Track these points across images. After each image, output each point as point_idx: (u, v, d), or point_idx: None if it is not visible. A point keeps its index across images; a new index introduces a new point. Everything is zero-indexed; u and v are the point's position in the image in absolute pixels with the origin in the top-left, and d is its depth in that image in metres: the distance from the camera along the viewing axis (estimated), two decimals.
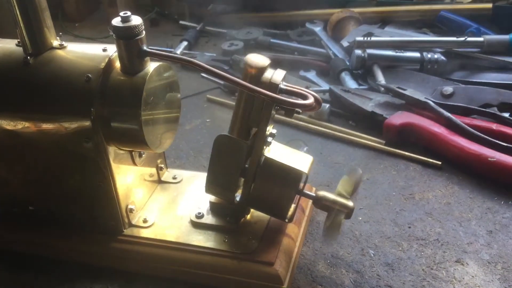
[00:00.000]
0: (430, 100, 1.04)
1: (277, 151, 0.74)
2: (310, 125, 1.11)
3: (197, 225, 0.79)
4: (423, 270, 0.75)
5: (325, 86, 1.24)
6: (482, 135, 0.94)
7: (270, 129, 0.73)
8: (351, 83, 1.21)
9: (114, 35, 0.69)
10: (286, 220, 0.76)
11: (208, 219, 0.80)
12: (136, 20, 0.69)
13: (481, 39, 1.22)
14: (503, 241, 0.80)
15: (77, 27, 1.78)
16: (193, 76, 1.36)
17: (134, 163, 0.80)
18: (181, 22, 1.69)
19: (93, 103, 0.68)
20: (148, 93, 0.69)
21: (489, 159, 0.90)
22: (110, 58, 0.71)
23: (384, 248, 0.80)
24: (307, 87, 1.23)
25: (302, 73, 1.32)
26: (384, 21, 1.45)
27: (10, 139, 0.74)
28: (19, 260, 0.81)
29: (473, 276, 0.74)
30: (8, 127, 0.73)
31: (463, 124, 0.97)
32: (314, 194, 0.75)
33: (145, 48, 0.70)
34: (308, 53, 1.42)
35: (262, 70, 0.67)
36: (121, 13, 0.68)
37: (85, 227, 0.80)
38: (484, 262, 0.76)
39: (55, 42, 0.74)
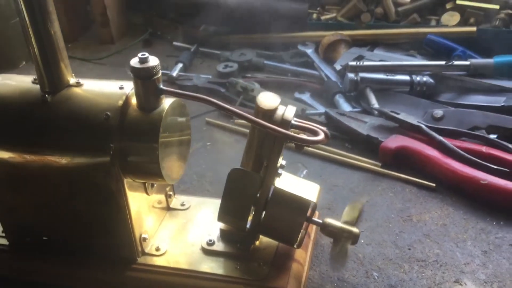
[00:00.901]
0: (422, 124, 1.10)
1: (286, 181, 0.77)
2: (308, 148, 1.15)
3: (208, 252, 0.83)
4: None
5: (320, 108, 1.29)
6: (474, 158, 0.99)
7: (280, 161, 0.77)
8: (345, 106, 1.26)
9: (132, 74, 0.72)
10: (295, 246, 0.80)
11: (219, 246, 0.83)
12: (153, 61, 0.72)
13: (467, 62, 1.28)
14: (497, 260, 0.85)
15: (70, 48, 1.80)
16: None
17: (147, 193, 0.83)
18: (174, 43, 1.72)
19: (112, 140, 0.71)
20: (164, 128, 0.73)
21: (481, 181, 0.95)
22: (127, 96, 0.74)
23: (387, 270, 0.84)
24: (303, 110, 1.27)
25: (297, 95, 1.36)
26: (373, 43, 1.50)
27: (28, 172, 0.76)
28: None
29: None
30: (27, 161, 0.75)
31: (455, 148, 1.02)
32: (321, 221, 0.79)
33: (161, 86, 0.73)
34: (301, 74, 1.47)
35: (273, 109, 0.71)
36: (139, 55, 0.71)
37: (100, 257, 0.82)
38: (481, 282, 0.81)
39: (72, 80, 0.77)
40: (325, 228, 0.79)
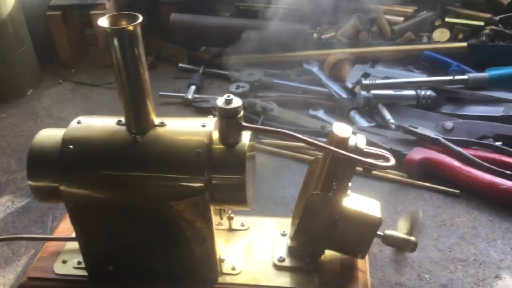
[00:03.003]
0: (439, 136, 1.22)
1: (354, 200, 0.87)
2: None
3: (280, 268, 0.91)
4: (473, 285, 0.91)
5: None
6: (490, 165, 1.13)
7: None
8: (362, 121, 1.37)
9: (217, 114, 0.79)
10: (359, 257, 0.89)
11: (289, 262, 0.91)
12: (237, 102, 0.79)
13: (466, 77, 1.42)
14: None
15: (73, 73, 1.82)
16: None
17: (221, 217, 0.90)
18: (180, 65, 1.78)
19: (204, 174, 0.78)
20: (247, 161, 0.80)
21: (500, 186, 1.08)
22: (211, 132, 0.81)
23: (436, 271, 0.95)
24: (322, 127, 1.37)
25: (311, 112, 1.46)
26: (372, 60, 1.63)
27: (122, 206, 0.82)
28: None
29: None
30: (120, 197, 0.81)
31: (473, 157, 1.15)
32: (382, 233, 0.89)
33: (243, 123, 0.81)
34: (311, 92, 1.57)
35: (348, 138, 0.80)
36: (225, 96, 0.78)
37: (181, 280, 0.89)
38: None
39: (157, 121, 0.83)
40: (386, 239, 0.89)
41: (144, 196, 0.81)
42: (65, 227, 1.04)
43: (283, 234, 0.97)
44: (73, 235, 0.99)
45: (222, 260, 0.89)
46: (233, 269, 0.91)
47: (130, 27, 0.73)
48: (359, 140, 0.81)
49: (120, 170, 0.80)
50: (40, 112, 1.59)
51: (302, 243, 0.90)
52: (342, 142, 0.80)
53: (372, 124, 1.36)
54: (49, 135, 0.86)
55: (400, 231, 0.90)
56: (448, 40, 1.61)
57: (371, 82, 1.40)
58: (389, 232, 0.88)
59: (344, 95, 1.50)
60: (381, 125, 1.36)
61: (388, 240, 0.88)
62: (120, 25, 0.74)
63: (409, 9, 1.69)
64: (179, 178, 0.79)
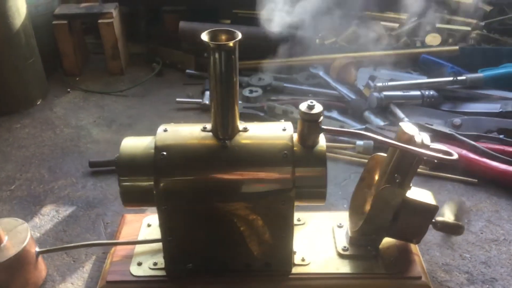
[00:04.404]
0: (454, 132, 1.36)
1: (413, 192, 0.97)
2: (361, 160, 1.36)
3: (344, 256, 1.00)
4: (508, 261, 1.05)
5: (354, 124, 1.50)
6: (503, 156, 1.27)
7: None
8: (377, 121, 1.49)
9: (300, 118, 0.87)
10: (414, 242, 1.00)
11: (352, 250, 1.01)
12: (318, 108, 0.87)
13: (464, 77, 1.57)
14: None
15: (78, 81, 1.83)
16: None
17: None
18: (187, 71, 1.83)
19: (291, 173, 0.86)
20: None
21: None
22: (292, 136, 0.89)
23: (474, 251, 1.08)
24: (341, 127, 1.48)
25: (326, 113, 1.56)
26: (373, 64, 1.75)
27: (212, 207, 0.88)
28: None
29: None
30: (212, 198, 0.87)
31: (487, 149, 1.29)
32: (434, 220, 1.00)
33: (322, 126, 0.89)
34: (320, 94, 1.67)
35: (413, 136, 0.90)
36: (308, 102, 0.87)
37: (257, 273, 0.96)
38: None
39: (240, 126, 0.89)
40: (437, 225, 1.00)
41: (235, 196, 0.87)
42: (128, 232, 1.08)
43: (340, 226, 1.06)
44: (140, 238, 1.05)
45: (294, 253, 0.97)
46: (303, 260, 0.99)
47: (231, 44, 0.79)
48: (424, 138, 0.91)
49: (212, 173, 0.87)
50: (56, 121, 1.59)
51: (363, 232, 1.00)
52: (411, 140, 0.91)
53: (387, 123, 1.48)
54: (134, 143, 0.91)
55: (446, 217, 1.01)
56: (440, 44, 1.77)
57: (384, 84, 1.52)
58: (439, 218, 1.00)
59: (353, 96, 1.61)
60: (395, 123, 1.48)
61: (439, 226, 1.00)
62: (219, 40, 0.80)
63: (403, 16, 1.83)
64: (269, 179, 0.87)
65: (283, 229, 0.91)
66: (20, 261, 0.96)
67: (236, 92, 0.85)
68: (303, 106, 0.88)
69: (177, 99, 1.64)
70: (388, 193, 0.92)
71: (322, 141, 0.90)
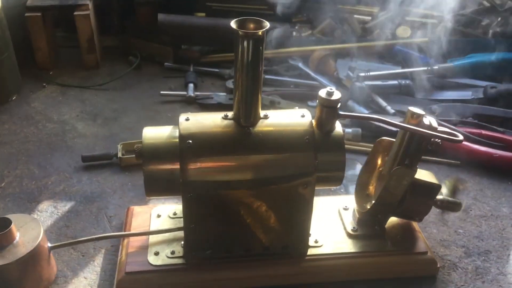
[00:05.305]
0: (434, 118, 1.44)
1: (418, 172, 1.03)
2: (350, 147, 1.41)
3: (354, 237, 1.05)
4: (498, 234, 1.14)
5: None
6: (482, 139, 1.37)
7: None
8: (362, 109, 1.55)
9: (319, 103, 0.91)
10: (417, 220, 1.07)
11: (361, 230, 1.06)
12: (337, 94, 0.91)
13: (436, 67, 1.67)
14: None
15: (52, 75, 1.77)
16: None
17: None
18: (166, 64, 1.82)
19: (314, 158, 0.90)
20: None
21: (494, 155, 1.33)
22: (312, 122, 0.92)
23: (466, 227, 1.16)
24: None
25: (310, 103, 1.61)
26: (348, 55, 1.81)
27: (236, 194, 0.90)
28: None
29: None
30: (238, 184, 0.89)
31: (467, 133, 1.38)
32: (435, 199, 1.07)
33: (340, 112, 0.93)
34: (302, 85, 1.71)
35: (422, 117, 0.96)
36: (328, 89, 0.91)
37: (275, 256, 0.99)
38: None
39: (262, 113, 0.92)
40: (437, 203, 1.07)
41: (260, 182, 0.90)
42: (138, 224, 1.08)
43: (345, 209, 1.11)
44: (152, 229, 1.05)
45: (310, 235, 1.01)
46: (316, 242, 1.03)
47: (260, 33, 0.81)
48: (432, 121, 0.97)
49: (238, 160, 0.89)
50: (37, 117, 1.54)
51: (371, 213, 1.05)
52: (420, 122, 0.96)
53: (370, 112, 1.54)
54: (156, 132, 0.91)
55: (444, 195, 1.08)
56: (410, 36, 1.86)
57: (366, 74, 1.59)
58: (439, 197, 1.07)
59: (333, 87, 1.66)
60: (378, 111, 1.55)
61: (440, 204, 1.07)
62: (247, 29, 0.82)
63: (374, 9, 1.91)
64: (293, 163, 0.90)
65: (304, 212, 0.95)
66: (35, 258, 0.94)
67: (261, 81, 0.88)
68: (322, 93, 0.91)
69: (161, 92, 1.63)
70: (401, 173, 0.97)
71: (338, 127, 0.95)
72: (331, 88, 0.91)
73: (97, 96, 1.67)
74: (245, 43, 0.82)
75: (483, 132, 1.42)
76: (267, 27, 0.82)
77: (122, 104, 1.63)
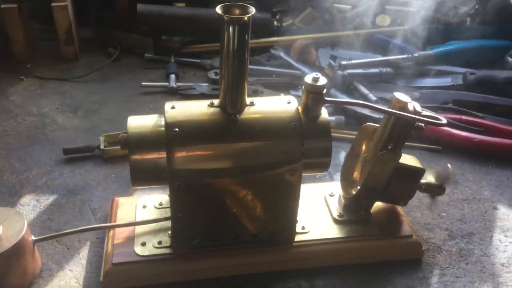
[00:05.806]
0: None
1: (402, 157, 1.04)
2: (333, 134, 1.41)
3: (341, 222, 1.06)
4: (480, 217, 1.16)
5: None
6: (463, 124, 1.39)
7: None
8: (344, 97, 1.56)
9: (304, 89, 0.91)
10: (402, 204, 1.08)
11: (347, 216, 1.07)
12: (323, 80, 0.91)
13: (416, 55, 1.69)
14: (507, 187, 1.25)
15: (30, 68, 1.73)
16: None
17: None
18: (146, 55, 1.80)
19: (301, 144, 0.90)
20: None
21: (475, 140, 1.35)
22: (297, 108, 0.92)
23: (450, 210, 1.18)
24: None
25: (292, 92, 1.61)
26: (330, 44, 1.82)
27: (223, 181, 0.90)
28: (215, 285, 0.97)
29: (506, 214, 1.17)
30: (225, 172, 0.89)
31: (449, 119, 1.40)
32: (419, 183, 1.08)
33: (326, 98, 0.93)
34: (284, 75, 1.71)
35: (407, 103, 0.97)
36: (314, 75, 0.91)
37: (262, 244, 0.99)
38: (508, 204, 1.20)
39: (248, 100, 0.91)
40: (421, 187, 1.08)
41: (247, 169, 0.90)
42: (123, 215, 1.07)
43: (331, 195, 1.12)
44: (138, 219, 1.04)
45: (297, 221, 1.02)
46: (303, 228, 1.03)
47: (246, 18, 0.81)
48: (416, 105, 0.98)
49: (225, 147, 0.88)
50: (16, 110, 1.51)
51: (356, 198, 1.06)
52: (404, 107, 0.97)
53: (353, 99, 1.55)
54: (142, 121, 0.90)
55: (428, 179, 1.10)
56: (390, 25, 1.87)
57: (347, 62, 1.60)
58: (423, 181, 1.08)
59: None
60: (360, 99, 1.55)
61: (423, 188, 1.08)
62: (233, 15, 0.82)
63: None
64: (280, 150, 0.90)
65: (291, 198, 0.95)
66: (19, 251, 0.92)
67: (247, 67, 0.87)
68: (308, 79, 0.91)
69: (143, 83, 1.62)
70: (386, 158, 0.98)
71: (324, 113, 0.95)
72: (317, 74, 0.91)
73: (77, 89, 1.64)
74: (231, 28, 0.81)
75: (464, 117, 1.44)
76: (253, 12, 0.82)
77: (102, 96, 1.60)
